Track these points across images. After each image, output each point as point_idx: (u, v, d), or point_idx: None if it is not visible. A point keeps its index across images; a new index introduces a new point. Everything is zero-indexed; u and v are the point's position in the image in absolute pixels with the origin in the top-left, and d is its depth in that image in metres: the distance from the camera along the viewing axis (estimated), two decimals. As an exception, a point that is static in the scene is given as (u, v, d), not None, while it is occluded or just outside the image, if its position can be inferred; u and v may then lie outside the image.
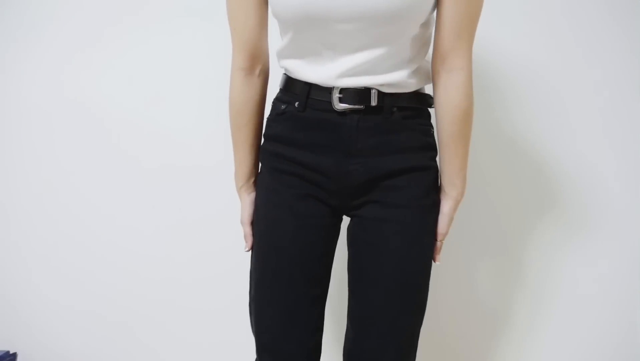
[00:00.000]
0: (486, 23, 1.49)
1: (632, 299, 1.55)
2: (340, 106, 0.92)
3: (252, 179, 1.05)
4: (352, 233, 1.01)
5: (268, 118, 1.02)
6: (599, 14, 1.46)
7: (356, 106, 0.92)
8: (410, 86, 0.95)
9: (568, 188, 1.52)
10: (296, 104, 0.96)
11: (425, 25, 0.93)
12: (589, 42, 1.47)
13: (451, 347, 1.58)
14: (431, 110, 1.00)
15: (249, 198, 1.05)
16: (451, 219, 1.01)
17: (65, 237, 1.61)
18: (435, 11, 0.92)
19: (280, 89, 1.02)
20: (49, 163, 1.60)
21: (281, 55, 0.99)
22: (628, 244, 1.53)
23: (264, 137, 1.03)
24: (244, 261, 1.54)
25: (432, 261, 1.00)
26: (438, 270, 1.04)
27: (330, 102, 0.93)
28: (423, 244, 0.97)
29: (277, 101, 1.01)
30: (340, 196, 0.97)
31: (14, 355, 1.62)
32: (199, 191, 1.56)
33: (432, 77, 0.97)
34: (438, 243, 1.01)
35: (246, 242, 1.05)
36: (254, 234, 1.04)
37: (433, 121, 1.00)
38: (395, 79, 0.93)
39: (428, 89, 1.02)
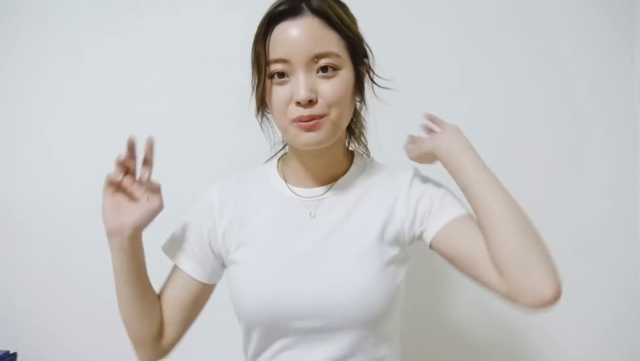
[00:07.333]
0: (486, 25, 1.49)
1: (634, 299, 1.55)
2: None
3: None
4: None
5: None
6: (598, 13, 1.46)
7: None
8: None
9: (567, 188, 1.52)
10: None
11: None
12: (585, 42, 1.47)
13: (458, 344, 1.58)
14: None
15: None
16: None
17: (65, 237, 1.60)
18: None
19: None
20: (48, 163, 1.60)
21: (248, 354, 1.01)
22: (630, 243, 1.53)
23: None
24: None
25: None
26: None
27: None
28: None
29: None
30: None
31: (14, 355, 1.61)
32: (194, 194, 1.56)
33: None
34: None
35: None
36: None
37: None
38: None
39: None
